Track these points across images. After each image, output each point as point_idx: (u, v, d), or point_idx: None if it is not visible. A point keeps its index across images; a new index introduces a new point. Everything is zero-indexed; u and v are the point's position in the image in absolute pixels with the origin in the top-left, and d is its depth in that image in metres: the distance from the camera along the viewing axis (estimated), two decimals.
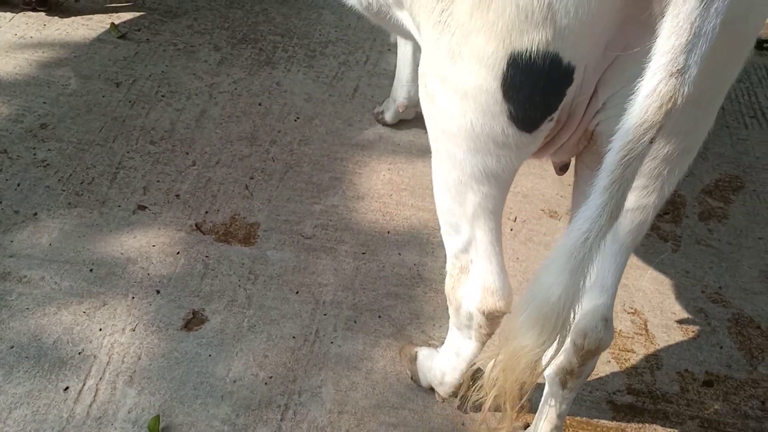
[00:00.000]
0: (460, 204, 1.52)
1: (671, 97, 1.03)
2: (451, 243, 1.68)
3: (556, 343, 1.27)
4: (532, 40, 1.16)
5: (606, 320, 1.62)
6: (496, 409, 1.59)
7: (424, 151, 3.05)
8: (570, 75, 1.21)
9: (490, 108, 1.28)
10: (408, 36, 1.95)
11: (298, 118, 3.17)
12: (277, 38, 3.63)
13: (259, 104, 3.22)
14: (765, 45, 3.87)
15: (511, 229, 2.76)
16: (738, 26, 1.18)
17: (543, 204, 2.85)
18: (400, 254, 2.62)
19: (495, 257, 1.63)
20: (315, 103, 3.25)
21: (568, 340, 1.72)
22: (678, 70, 1.02)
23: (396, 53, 3.08)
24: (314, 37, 3.66)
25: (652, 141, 1.07)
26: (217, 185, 2.82)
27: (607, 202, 1.11)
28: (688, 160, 1.44)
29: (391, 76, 3.45)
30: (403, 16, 1.64)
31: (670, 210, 2.86)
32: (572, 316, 1.26)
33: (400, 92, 2.99)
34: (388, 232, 2.69)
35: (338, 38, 3.66)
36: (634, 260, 2.66)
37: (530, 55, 1.18)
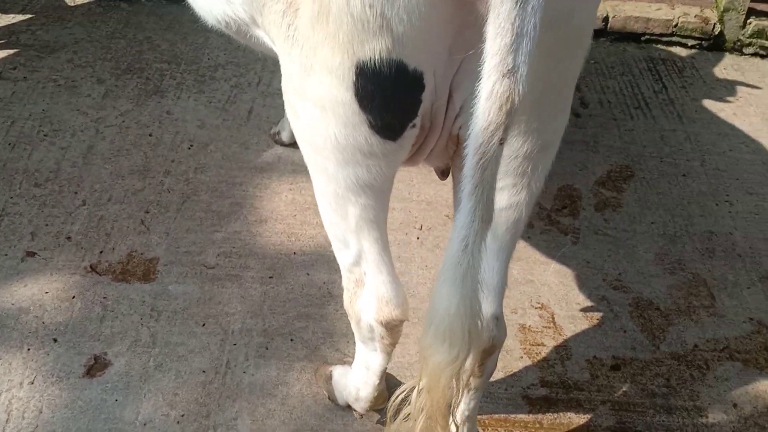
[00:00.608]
0: (343, 217, 1.52)
1: (508, 97, 1.06)
2: (343, 257, 1.68)
3: (472, 352, 1.28)
4: (374, 49, 1.18)
5: (497, 318, 1.65)
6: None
7: None
8: (420, 80, 1.23)
9: (350, 119, 1.29)
10: (274, 54, 1.94)
11: (191, 145, 3.09)
12: (164, 66, 3.54)
13: (150, 135, 3.12)
14: (643, 38, 4.07)
15: (418, 238, 2.77)
16: (564, 24, 1.23)
17: (447, 210, 2.88)
18: (308, 274, 2.59)
19: (385, 266, 1.63)
20: (209, 128, 3.18)
21: None
22: (509, 70, 1.05)
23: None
24: (203, 62, 3.59)
25: (501, 142, 1.09)
26: (110, 223, 2.71)
27: (476, 205, 1.13)
28: (550, 155, 1.49)
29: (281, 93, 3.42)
30: (261, 35, 1.63)
31: (568, 204, 2.95)
32: (478, 322, 1.27)
33: None
34: (295, 253, 2.66)
35: (228, 61, 3.61)
36: (537, 256, 2.73)
37: (375, 64, 1.19)
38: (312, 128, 1.38)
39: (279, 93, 3.37)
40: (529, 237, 2.79)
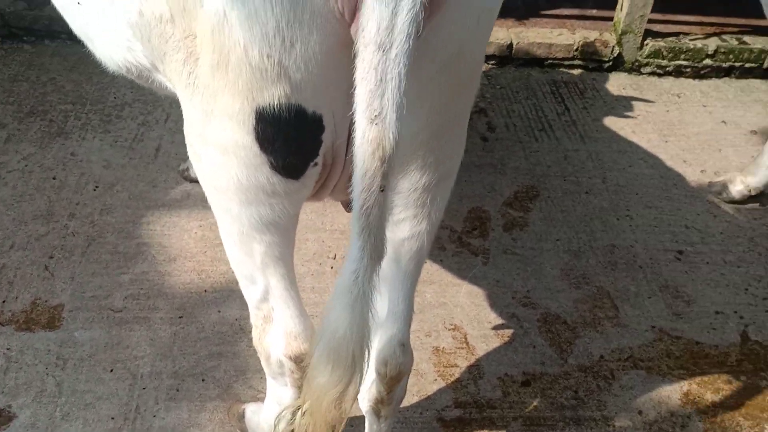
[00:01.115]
0: (249, 255, 1.52)
1: (378, 143, 1.06)
2: (250, 294, 1.67)
3: (355, 378, 1.29)
4: (273, 95, 1.19)
5: (403, 345, 1.67)
6: None
7: None
8: (319, 122, 1.25)
9: (251, 161, 1.30)
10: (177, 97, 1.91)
11: (97, 186, 3.03)
12: (69, 107, 3.47)
13: (54, 178, 3.05)
14: (546, 62, 4.23)
15: (332, 267, 2.78)
16: (453, 64, 1.27)
17: None
18: (219, 311, 2.56)
19: (292, 301, 1.63)
20: (114, 168, 3.13)
21: (373, 372, 1.75)
22: (376, 116, 1.06)
23: None
24: (109, 101, 3.53)
25: (382, 189, 1.10)
26: (12, 271, 2.62)
27: (364, 245, 1.15)
28: (448, 186, 1.53)
29: None
30: (163, 80, 1.63)
31: (477, 226, 3.02)
32: (365, 349, 1.28)
33: None
34: (205, 291, 2.63)
35: (135, 99, 3.56)
36: (450, 278, 2.77)
37: (275, 109, 1.20)
38: (214, 171, 1.38)
39: None
40: (442, 260, 2.84)
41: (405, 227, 1.53)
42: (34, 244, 2.74)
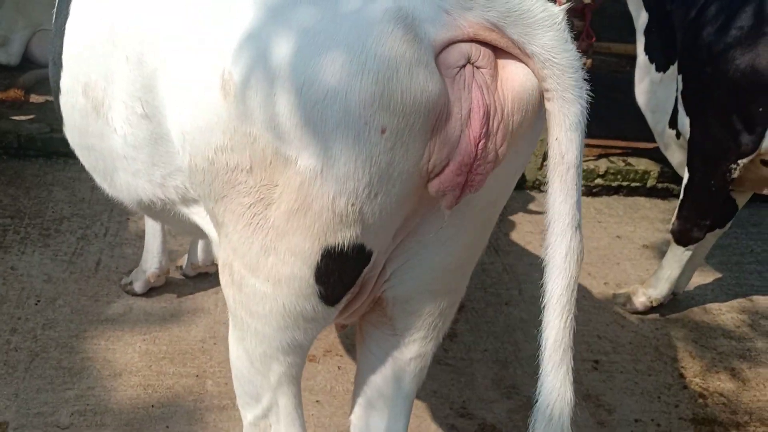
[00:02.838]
0: (264, 375, 1.62)
1: (581, 249, 1.32)
2: (250, 412, 1.74)
3: None
4: (345, 237, 1.36)
5: None
6: None
7: (178, 316, 3.10)
8: (369, 258, 1.43)
9: (303, 291, 1.44)
10: (188, 228, 1.98)
11: (38, 301, 3.04)
12: (7, 221, 3.49)
13: None
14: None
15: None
16: (489, 210, 1.56)
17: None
18: (167, 427, 2.59)
19: (298, 419, 1.73)
20: (56, 283, 3.16)
21: None
22: (578, 224, 1.31)
23: (137, 221, 3.15)
24: (47, 215, 3.58)
25: None
26: None
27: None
28: (454, 308, 1.72)
29: (134, 244, 3.49)
30: (191, 212, 1.75)
31: None
32: None
33: (151, 263, 3.04)
34: (153, 406, 2.66)
35: (73, 213, 3.62)
36: None
37: (342, 248, 1.37)
38: (257, 298, 1.49)
39: (127, 242, 3.46)
40: None
41: (414, 347, 1.67)
42: None
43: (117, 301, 3.13)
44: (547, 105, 1.33)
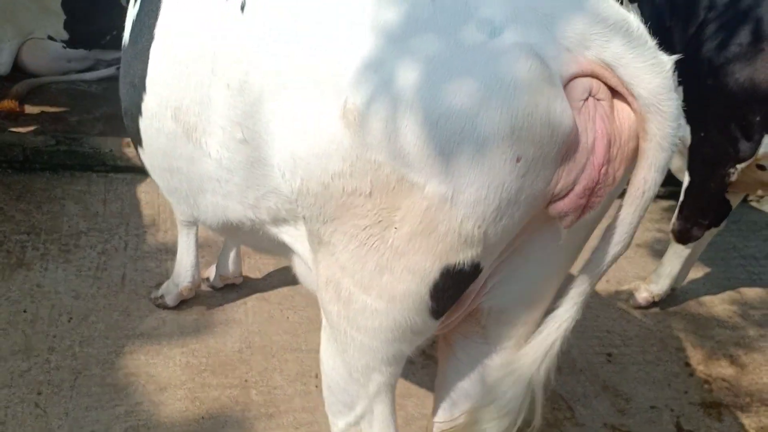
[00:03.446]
0: (363, 385, 1.71)
1: None
2: (341, 419, 1.83)
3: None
4: (466, 256, 1.43)
5: None
6: None
7: (211, 328, 3.16)
8: (479, 273, 1.51)
9: (417, 306, 1.52)
10: (272, 246, 2.01)
11: (71, 318, 3.05)
12: (24, 237, 3.46)
13: (24, 311, 3.03)
14: None
15: (317, 386, 2.96)
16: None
17: None
18: None
19: (393, 426, 1.82)
20: (85, 299, 3.17)
21: None
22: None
23: (154, 234, 3.15)
24: (64, 230, 3.57)
25: None
26: (2, 410, 2.58)
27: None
28: (543, 316, 1.77)
29: (156, 257, 3.52)
30: (279, 231, 1.81)
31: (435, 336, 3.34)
32: None
33: (184, 277, 3.09)
34: (203, 418, 2.72)
35: (90, 228, 3.62)
36: (425, 390, 3.05)
37: (461, 266, 1.45)
38: (366, 313, 1.56)
39: (149, 256, 3.49)
40: (413, 373, 3.11)
41: (504, 354, 1.76)
42: (18, 380, 2.72)
43: (149, 315, 3.16)
44: (642, 144, 1.44)
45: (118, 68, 5.18)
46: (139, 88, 2.02)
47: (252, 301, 3.38)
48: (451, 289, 1.51)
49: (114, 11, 5.15)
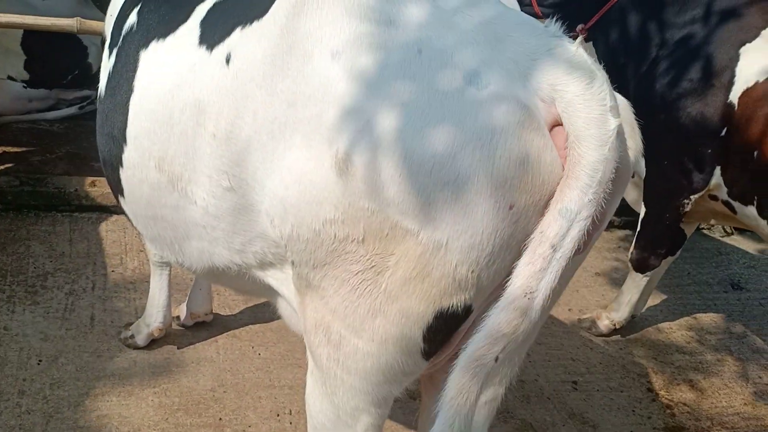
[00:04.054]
0: (351, 426, 1.70)
1: (522, 315, 1.36)
2: None
3: None
4: (459, 300, 1.46)
5: None
6: None
7: (183, 367, 3.15)
8: (470, 314, 1.53)
9: (409, 349, 1.53)
10: (256, 289, 2.01)
11: (40, 360, 3.02)
12: None
13: None
14: None
15: (291, 423, 2.98)
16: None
17: None
18: None
19: None
20: (54, 340, 3.14)
21: None
22: (529, 293, 1.36)
23: (121, 273, 3.13)
24: (30, 272, 3.53)
25: (497, 359, 1.39)
26: None
27: (458, 409, 1.42)
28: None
29: (124, 297, 3.50)
30: (265, 275, 1.82)
31: None
32: None
33: (156, 317, 3.08)
34: None
35: (56, 268, 3.59)
36: (401, 427, 3.09)
37: (454, 309, 1.47)
38: (357, 356, 1.56)
39: (117, 296, 3.49)
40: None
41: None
42: None
43: (119, 355, 3.14)
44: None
45: (80, 107, 5.28)
46: (120, 139, 2.03)
47: (223, 339, 3.38)
48: (444, 330, 1.53)
49: (74, 51, 5.18)
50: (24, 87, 4.98)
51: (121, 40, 2.17)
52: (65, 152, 4.65)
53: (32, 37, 4.86)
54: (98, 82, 5.23)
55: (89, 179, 4.10)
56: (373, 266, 1.46)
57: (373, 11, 1.51)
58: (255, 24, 1.68)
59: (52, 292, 3.43)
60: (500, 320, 1.37)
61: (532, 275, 1.36)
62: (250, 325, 3.50)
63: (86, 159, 4.54)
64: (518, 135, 1.37)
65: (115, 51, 2.20)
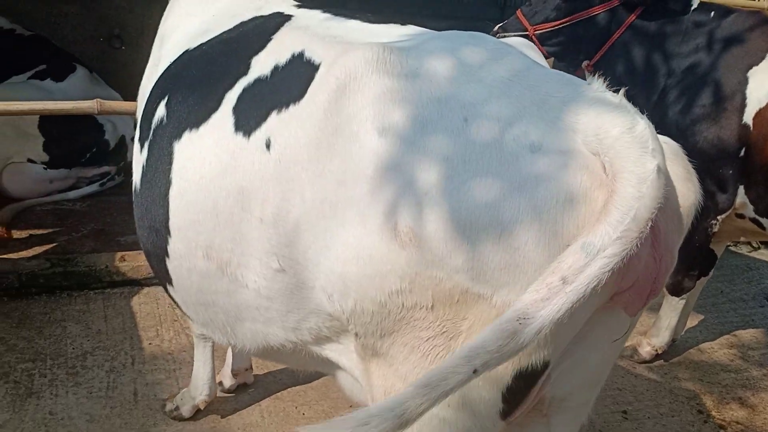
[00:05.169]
0: None
1: (511, 336, 1.29)
2: None
3: None
4: (537, 358, 1.42)
5: None
6: None
7: None
8: (548, 369, 1.49)
9: (487, 411, 1.50)
10: (314, 363, 1.99)
11: None
12: (29, 365, 3.43)
13: None
14: None
15: None
16: None
17: None
18: None
19: None
20: (99, 421, 3.13)
21: None
22: (523, 319, 1.29)
23: (159, 345, 3.12)
24: (68, 353, 3.54)
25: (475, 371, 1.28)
26: None
27: None
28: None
29: (165, 368, 3.51)
30: (323, 348, 1.81)
31: None
32: None
33: (201, 389, 3.07)
34: None
35: (94, 347, 3.60)
36: None
37: (534, 368, 1.44)
38: (434, 423, 1.51)
39: (157, 368, 3.49)
40: None
41: None
42: None
43: (168, 428, 3.13)
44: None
45: (101, 184, 5.35)
46: (163, 232, 2.03)
47: (266, 402, 3.37)
48: (523, 389, 1.50)
49: (91, 129, 5.28)
50: (44, 168, 5.07)
51: (151, 133, 2.18)
52: (90, 229, 4.71)
53: (49, 119, 4.97)
54: (117, 159, 5.30)
55: (118, 254, 4.14)
56: (444, 332, 1.44)
57: (407, 81, 1.53)
58: (292, 108, 1.69)
59: (93, 371, 3.44)
60: (485, 337, 1.26)
61: (531, 302, 1.26)
62: (292, 387, 3.48)
63: (112, 234, 4.59)
64: (586, 197, 1.35)
65: (147, 144, 2.20)
